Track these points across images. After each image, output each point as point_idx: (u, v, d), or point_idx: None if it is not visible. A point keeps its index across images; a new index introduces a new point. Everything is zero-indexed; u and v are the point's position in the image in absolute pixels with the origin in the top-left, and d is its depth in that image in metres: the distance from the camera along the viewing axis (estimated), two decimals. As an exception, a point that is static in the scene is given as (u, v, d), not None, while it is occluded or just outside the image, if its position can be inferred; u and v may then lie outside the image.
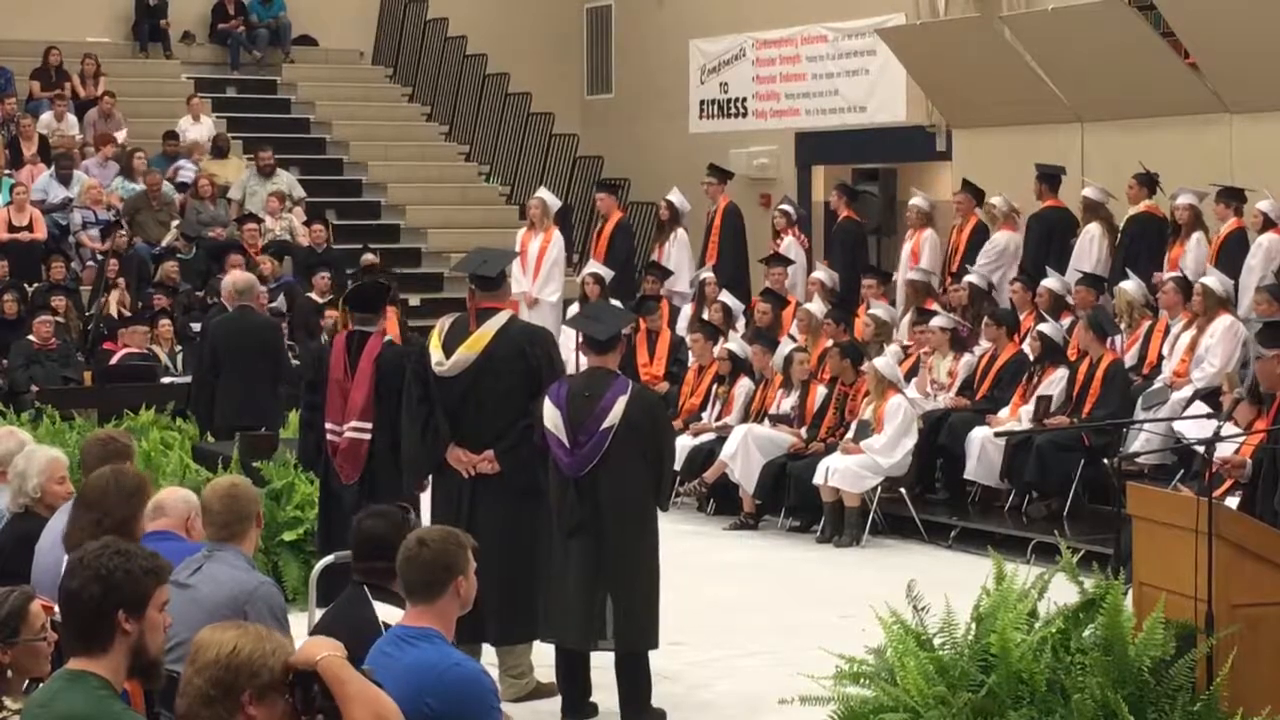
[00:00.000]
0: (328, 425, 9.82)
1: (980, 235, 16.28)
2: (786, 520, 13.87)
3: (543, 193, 18.45)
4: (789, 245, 17.35)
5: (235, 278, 14.17)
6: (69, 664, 4.53)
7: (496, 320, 8.85)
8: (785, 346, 14.68)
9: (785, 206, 18.14)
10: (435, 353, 8.85)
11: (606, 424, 8.30)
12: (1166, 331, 13.91)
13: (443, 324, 9.05)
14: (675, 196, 18.18)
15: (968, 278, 15.36)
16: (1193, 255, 14.45)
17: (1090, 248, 15.27)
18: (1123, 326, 14.12)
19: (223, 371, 13.10)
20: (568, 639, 8.49)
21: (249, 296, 13.44)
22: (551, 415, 8.42)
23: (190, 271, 18.85)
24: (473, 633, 7.80)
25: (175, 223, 19.57)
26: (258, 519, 6.43)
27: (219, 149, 21.21)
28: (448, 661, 5.25)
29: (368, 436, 9.71)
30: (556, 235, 17.91)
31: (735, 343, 15.11)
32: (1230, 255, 14.13)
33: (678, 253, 17.88)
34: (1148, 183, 14.93)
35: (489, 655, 8.56)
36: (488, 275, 8.97)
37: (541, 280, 17.58)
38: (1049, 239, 15.67)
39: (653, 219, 19.66)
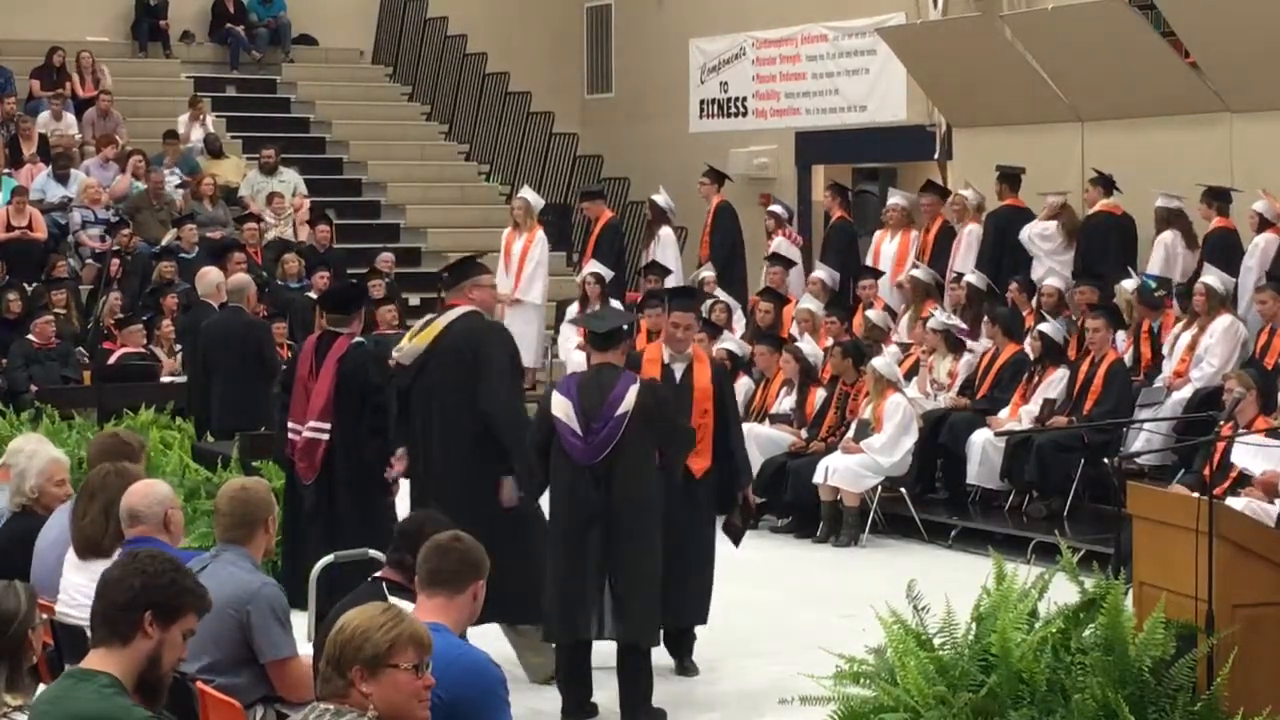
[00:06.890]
0: (289, 424, 9.80)
1: (945, 236, 16.36)
2: (783, 520, 13.84)
3: (526, 192, 18.47)
4: (779, 245, 17.33)
5: (230, 279, 14.15)
6: (83, 663, 4.65)
7: (447, 316, 9.08)
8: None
9: (775, 208, 18.13)
10: (405, 343, 9.17)
11: (621, 410, 8.35)
12: (1155, 332, 13.97)
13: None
14: (659, 196, 18.19)
15: (967, 277, 15.35)
16: (1157, 254, 14.51)
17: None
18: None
19: (214, 372, 13.08)
20: (574, 628, 8.45)
21: (240, 298, 13.42)
22: (561, 405, 8.44)
23: (190, 271, 18.81)
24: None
25: (175, 221, 19.57)
26: (268, 523, 6.40)
27: (212, 149, 21.19)
28: (455, 651, 5.25)
29: (325, 437, 9.68)
30: (540, 236, 17.92)
31: (732, 342, 15.07)
32: (1215, 255, 14.12)
33: (661, 252, 17.87)
34: (1104, 183, 14.99)
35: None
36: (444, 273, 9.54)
37: (525, 282, 17.65)
38: (1004, 236, 15.74)
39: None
